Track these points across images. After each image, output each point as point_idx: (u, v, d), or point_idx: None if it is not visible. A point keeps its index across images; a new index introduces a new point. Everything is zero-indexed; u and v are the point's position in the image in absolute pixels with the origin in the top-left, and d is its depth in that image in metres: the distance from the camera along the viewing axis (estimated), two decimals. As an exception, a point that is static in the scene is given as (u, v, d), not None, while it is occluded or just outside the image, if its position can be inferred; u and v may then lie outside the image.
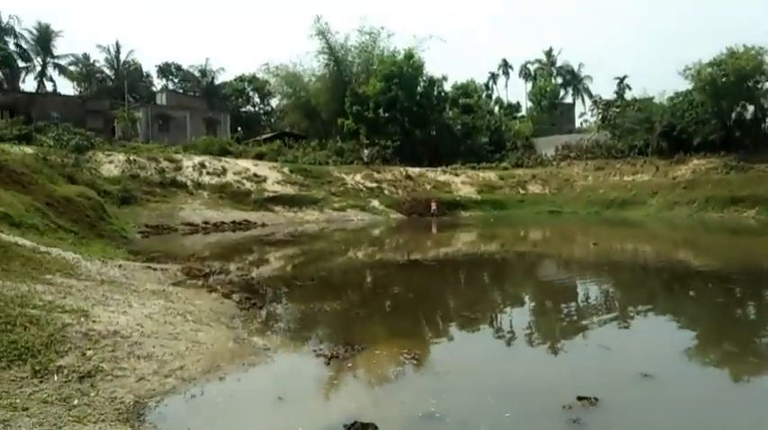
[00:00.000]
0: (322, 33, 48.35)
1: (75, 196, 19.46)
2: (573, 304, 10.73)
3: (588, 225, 29.35)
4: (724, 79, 33.47)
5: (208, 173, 31.75)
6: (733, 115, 35.49)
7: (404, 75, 44.27)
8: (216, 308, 8.86)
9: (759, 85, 34.74)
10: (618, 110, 44.06)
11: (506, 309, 10.64)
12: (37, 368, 5.04)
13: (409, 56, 45.48)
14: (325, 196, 32.93)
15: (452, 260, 17.77)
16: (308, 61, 72.89)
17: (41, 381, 4.87)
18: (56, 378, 4.97)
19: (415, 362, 6.68)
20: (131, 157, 30.45)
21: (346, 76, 49.04)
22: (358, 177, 36.62)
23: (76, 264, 10.63)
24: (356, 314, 9.62)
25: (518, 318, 9.55)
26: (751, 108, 35.37)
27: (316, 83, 51.97)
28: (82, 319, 6.51)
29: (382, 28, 49.84)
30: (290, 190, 32.58)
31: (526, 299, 11.84)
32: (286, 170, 34.77)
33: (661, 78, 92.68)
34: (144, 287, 9.72)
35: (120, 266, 11.71)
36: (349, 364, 6.55)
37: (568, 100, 72.15)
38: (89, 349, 5.70)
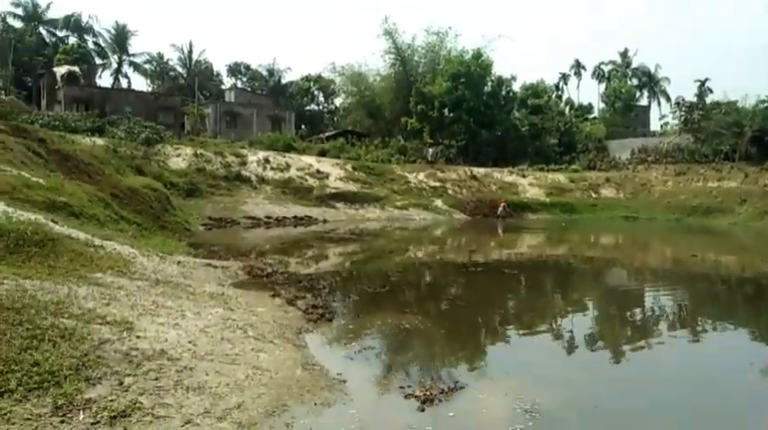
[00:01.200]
0: (389, 33, 47.92)
1: (141, 187, 19.53)
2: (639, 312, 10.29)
3: (668, 232, 27.58)
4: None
5: (272, 168, 31.70)
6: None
7: (471, 74, 43.07)
8: (280, 318, 7.92)
9: None
10: (702, 113, 41.14)
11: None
12: (60, 402, 4.06)
13: (477, 55, 44.26)
14: (387, 194, 32.24)
15: (531, 264, 16.60)
16: (374, 61, 72.91)
17: (62, 421, 3.88)
18: (81, 416, 3.97)
19: (531, 413, 5.12)
20: (198, 151, 30.78)
21: (411, 76, 48.33)
22: (421, 176, 35.72)
23: (132, 259, 10.02)
24: (441, 333, 8.28)
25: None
26: None
27: (380, 82, 51.55)
28: (124, 334, 5.56)
29: (450, 28, 48.94)
30: (352, 187, 32.07)
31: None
32: (349, 167, 34.30)
33: (745, 81, 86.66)
34: (202, 289, 9.00)
35: (178, 263, 11.12)
36: (450, 414, 5.11)
37: (644, 102, 68.65)
38: (128, 375, 4.71)
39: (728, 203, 32.41)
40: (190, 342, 5.87)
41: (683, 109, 43.79)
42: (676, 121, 47.11)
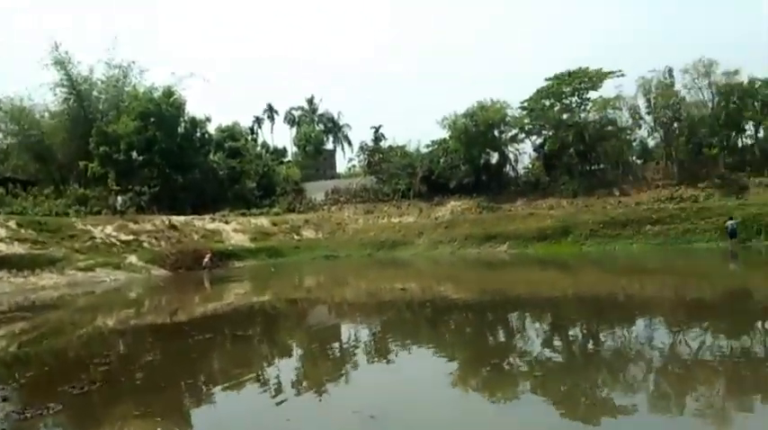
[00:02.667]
0: (61, 63, 41.46)
1: None
2: (338, 346, 11.02)
3: (364, 267, 29.65)
4: (475, 129, 37.66)
5: None
6: (481, 161, 40.02)
7: (162, 113, 40.24)
8: None
9: (503, 135, 40.00)
10: (382, 156, 46.44)
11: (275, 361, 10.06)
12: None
13: (168, 93, 41.61)
14: (66, 254, 27.00)
15: (237, 314, 15.43)
16: (41, 94, 62.65)
17: None
18: None
19: None
20: None
21: (90, 113, 42.68)
22: (109, 229, 31.18)
23: None
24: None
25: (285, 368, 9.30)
26: (495, 155, 40.43)
27: (51, 119, 44.17)
28: None
29: (133, 62, 44.70)
30: (18, 249, 25.95)
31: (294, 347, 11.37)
32: (12, 224, 27.81)
33: (410, 127, 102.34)
34: None
35: None
36: None
37: (330, 146, 74.66)
38: None
39: (409, 236, 36.77)
40: None
41: (366, 153, 48.80)
42: (361, 164, 52.26)
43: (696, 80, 35.35)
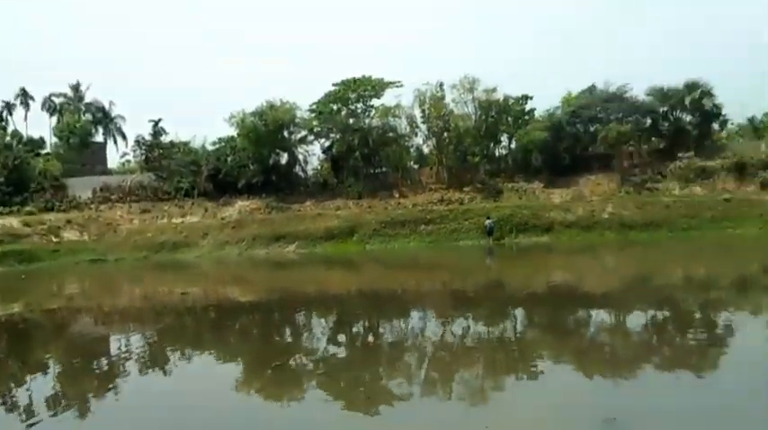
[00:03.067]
0: None
1: None
2: (106, 359, 10.27)
3: (137, 271, 27.32)
4: (264, 128, 36.95)
5: None
6: (271, 161, 39.45)
7: None
8: None
9: (292, 136, 39.90)
10: (162, 152, 43.08)
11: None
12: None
13: None
14: None
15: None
16: None
17: None
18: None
19: None
20: None
21: None
22: None
23: None
24: None
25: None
26: (285, 155, 40.21)
27: None
28: None
29: None
30: None
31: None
32: None
33: (194, 122, 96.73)
34: None
35: None
36: None
37: (99, 139, 66.84)
38: None
39: (193, 238, 34.66)
40: None
41: (144, 147, 44.78)
42: (137, 159, 47.81)
43: (462, 95, 39.54)
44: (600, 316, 11.37)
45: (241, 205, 37.60)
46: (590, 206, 32.65)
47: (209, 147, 41.74)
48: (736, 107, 59.82)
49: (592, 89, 40.36)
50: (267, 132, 37.57)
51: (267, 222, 34.75)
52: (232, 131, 39.86)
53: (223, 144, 40.71)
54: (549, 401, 6.18)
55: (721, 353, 8.08)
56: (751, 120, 44.05)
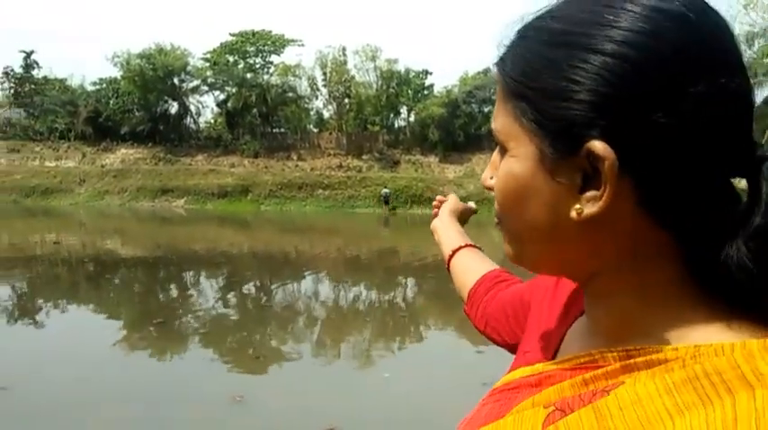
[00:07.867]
0: None
1: None
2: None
3: (3, 216, 24.87)
4: (152, 73, 34.38)
5: None
6: (159, 109, 36.97)
7: None
8: None
9: (183, 84, 37.49)
10: (34, 87, 38.92)
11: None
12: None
13: None
14: None
15: None
16: None
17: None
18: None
19: None
20: None
21: None
22: None
23: None
24: None
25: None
26: (175, 104, 37.80)
27: None
28: None
29: None
30: None
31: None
32: None
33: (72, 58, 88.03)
34: None
35: None
36: None
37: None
38: None
39: (68, 184, 32.10)
40: None
41: (13, 80, 40.20)
42: (5, 93, 42.84)
43: (364, 62, 39.33)
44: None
45: (124, 153, 35.16)
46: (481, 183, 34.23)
47: (90, 88, 38.36)
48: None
49: (487, 71, 41.79)
50: (155, 78, 34.98)
51: (154, 173, 32.84)
52: (116, 73, 36.81)
53: (105, 85, 37.54)
54: (435, 363, 6.48)
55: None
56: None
